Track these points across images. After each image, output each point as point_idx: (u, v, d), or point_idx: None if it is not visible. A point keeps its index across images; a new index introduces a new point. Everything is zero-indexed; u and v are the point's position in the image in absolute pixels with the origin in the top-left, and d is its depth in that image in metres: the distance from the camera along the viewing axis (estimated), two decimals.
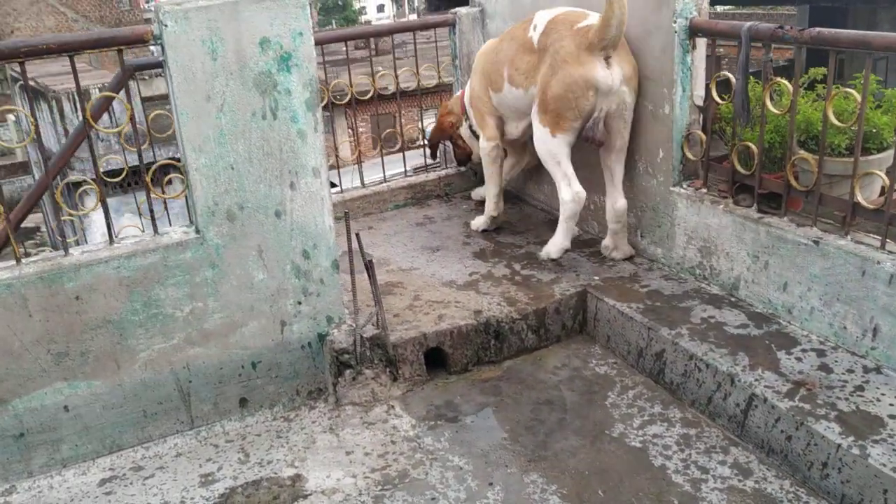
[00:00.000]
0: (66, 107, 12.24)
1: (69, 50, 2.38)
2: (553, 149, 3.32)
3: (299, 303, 2.84)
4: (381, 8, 54.43)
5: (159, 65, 3.65)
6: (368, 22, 48.50)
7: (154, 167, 2.88)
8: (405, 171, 4.68)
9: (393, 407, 2.89)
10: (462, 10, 4.43)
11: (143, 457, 2.70)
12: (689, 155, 3.20)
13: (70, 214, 2.59)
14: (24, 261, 2.50)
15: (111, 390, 2.63)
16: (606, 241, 3.53)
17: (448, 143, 4.43)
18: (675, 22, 3.04)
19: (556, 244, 3.44)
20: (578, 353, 3.19)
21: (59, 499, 2.53)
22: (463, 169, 4.59)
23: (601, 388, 2.94)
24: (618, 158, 3.37)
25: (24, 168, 17.54)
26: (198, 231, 2.63)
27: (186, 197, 2.66)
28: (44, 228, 21.77)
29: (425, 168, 5.01)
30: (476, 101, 3.82)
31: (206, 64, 2.47)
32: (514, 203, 4.35)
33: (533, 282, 3.39)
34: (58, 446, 2.61)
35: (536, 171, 4.16)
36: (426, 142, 4.56)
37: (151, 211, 2.71)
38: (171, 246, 2.59)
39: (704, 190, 3.17)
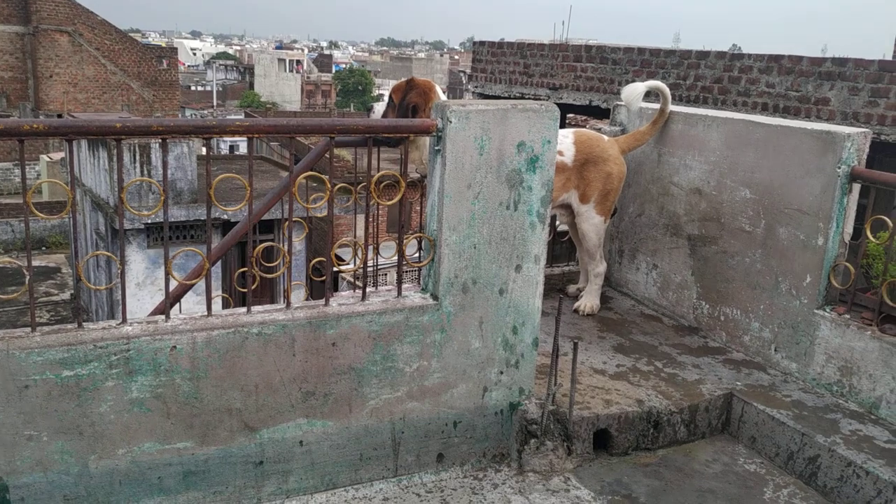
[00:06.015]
0: (126, 157, 12.70)
1: (372, 132, 2.79)
2: (602, 231, 4.44)
3: (501, 372, 3.15)
4: None
5: (355, 143, 4.04)
6: None
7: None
8: None
9: (569, 479, 3.17)
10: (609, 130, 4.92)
11: (353, 497, 2.95)
12: (835, 283, 3.60)
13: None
14: (293, 304, 2.82)
15: (340, 431, 2.90)
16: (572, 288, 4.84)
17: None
18: (838, 168, 3.50)
19: (594, 304, 4.53)
20: (724, 450, 3.49)
21: None
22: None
23: (756, 484, 3.23)
24: None
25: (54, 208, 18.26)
26: (435, 298, 2.96)
27: (428, 267, 3.01)
28: (65, 269, 21.94)
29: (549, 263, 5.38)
30: None
31: (474, 158, 2.87)
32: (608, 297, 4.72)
33: (679, 380, 3.73)
34: (286, 477, 2.86)
35: (638, 264, 4.55)
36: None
37: (399, 277, 3.04)
38: (414, 308, 2.92)
39: (847, 316, 3.56)
